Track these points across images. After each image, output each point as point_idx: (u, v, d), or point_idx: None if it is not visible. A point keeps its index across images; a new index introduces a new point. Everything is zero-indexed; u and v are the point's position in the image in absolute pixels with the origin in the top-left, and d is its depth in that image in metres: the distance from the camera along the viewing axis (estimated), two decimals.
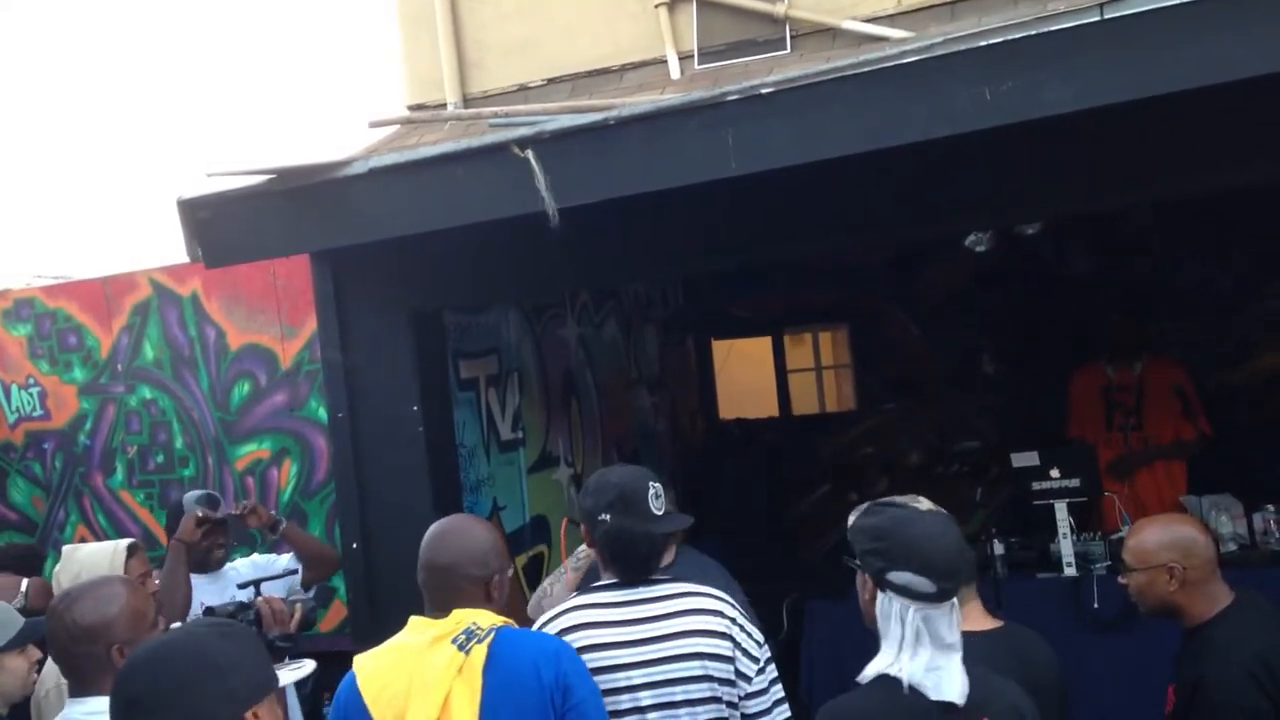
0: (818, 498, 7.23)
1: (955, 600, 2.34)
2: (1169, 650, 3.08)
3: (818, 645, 5.26)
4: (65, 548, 3.50)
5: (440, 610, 2.63)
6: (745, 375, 9.20)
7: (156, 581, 3.37)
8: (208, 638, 1.83)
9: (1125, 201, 4.37)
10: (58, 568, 3.30)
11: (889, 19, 4.86)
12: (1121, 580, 3.13)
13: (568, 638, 2.79)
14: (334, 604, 5.55)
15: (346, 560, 5.01)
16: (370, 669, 2.60)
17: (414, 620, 2.67)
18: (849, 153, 3.65)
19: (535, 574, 5.69)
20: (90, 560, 3.17)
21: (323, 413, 5.66)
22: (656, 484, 2.94)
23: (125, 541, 3.35)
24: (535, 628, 2.86)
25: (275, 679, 1.87)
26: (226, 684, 1.77)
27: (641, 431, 7.43)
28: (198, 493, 4.55)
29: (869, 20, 4.86)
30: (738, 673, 2.80)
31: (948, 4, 4.78)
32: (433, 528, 2.79)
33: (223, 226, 4.41)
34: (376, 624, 4.65)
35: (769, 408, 9.14)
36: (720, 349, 9.23)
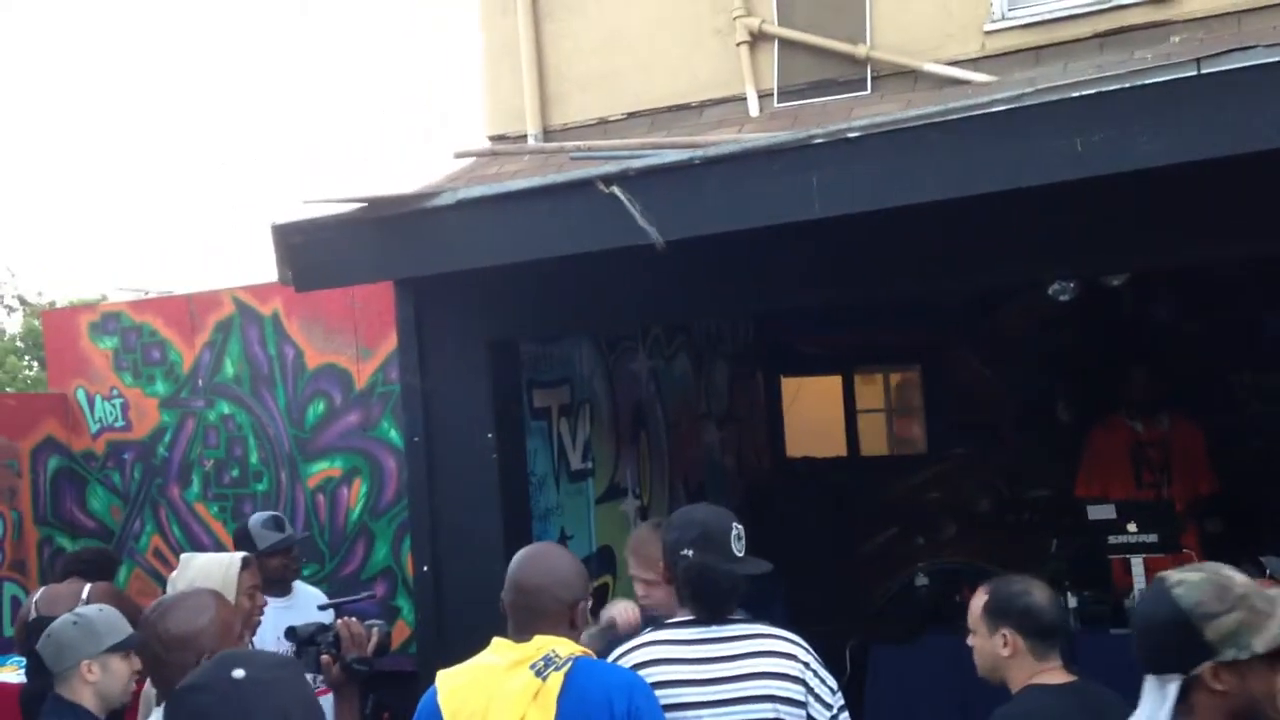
0: (884, 540, 7.15)
1: None
2: None
3: (882, 692, 5.20)
4: (183, 555, 3.60)
5: (523, 633, 2.68)
6: (814, 413, 9.14)
7: (264, 597, 3.44)
8: (295, 678, 1.83)
9: (1215, 257, 4.30)
10: (174, 574, 3.39)
11: (971, 62, 4.85)
12: None
13: (639, 673, 2.80)
14: (397, 624, 5.61)
15: (416, 583, 5.07)
16: (452, 685, 2.66)
17: (497, 641, 2.72)
18: (935, 198, 3.64)
19: (600, 604, 5.69)
20: (205, 570, 3.27)
21: (394, 434, 5.74)
22: (739, 526, 2.96)
23: (240, 555, 3.44)
24: (610, 659, 2.88)
25: None
26: None
27: (709, 466, 7.43)
28: (263, 515, 4.62)
29: (951, 63, 4.86)
30: (809, 718, 2.80)
31: (1032, 49, 4.78)
32: (522, 551, 2.85)
33: (314, 252, 4.52)
34: (444, 645, 4.70)
35: (837, 447, 9.07)
36: (790, 386, 9.19)
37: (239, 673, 1.71)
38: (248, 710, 1.69)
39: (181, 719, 1.73)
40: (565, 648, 2.62)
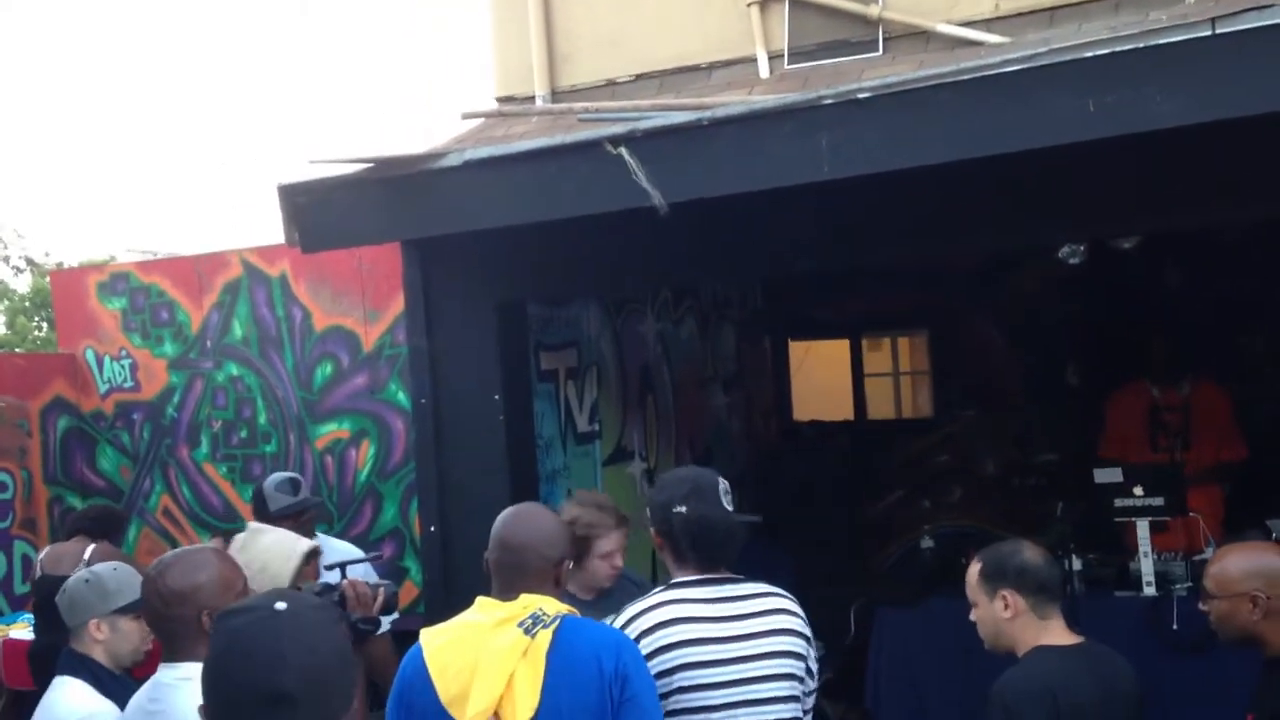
0: (890, 503, 7.15)
1: None
2: (1249, 676, 3.02)
3: (887, 655, 5.22)
4: (251, 525, 3.51)
5: (508, 592, 2.68)
6: (821, 377, 9.15)
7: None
8: (333, 625, 1.84)
9: (1228, 220, 4.27)
10: (235, 546, 3.33)
11: (985, 23, 4.80)
12: (1202, 607, 3.07)
13: (660, 632, 2.82)
14: (404, 584, 5.65)
15: (424, 543, 5.10)
16: (437, 644, 2.65)
17: (481, 600, 2.71)
18: (946, 160, 3.62)
19: None
20: (268, 549, 3.25)
21: (401, 396, 5.75)
22: (725, 481, 3.00)
23: (307, 543, 3.41)
24: (625, 618, 2.89)
25: None
26: (351, 677, 1.82)
27: (715, 430, 7.44)
28: (280, 477, 4.62)
29: (964, 24, 4.81)
30: (808, 670, 2.92)
31: (1046, 10, 4.73)
32: (506, 511, 2.86)
33: (320, 212, 4.50)
34: (451, 605, 4.67)
35: (844, 410, 9.08)
36: (797, 350, 9.19)
37: (281, 605, 1.77)
38: (279, 638, 1.73)
39: (220, 638, 1.78)
40: (552, 606, 2.63)
